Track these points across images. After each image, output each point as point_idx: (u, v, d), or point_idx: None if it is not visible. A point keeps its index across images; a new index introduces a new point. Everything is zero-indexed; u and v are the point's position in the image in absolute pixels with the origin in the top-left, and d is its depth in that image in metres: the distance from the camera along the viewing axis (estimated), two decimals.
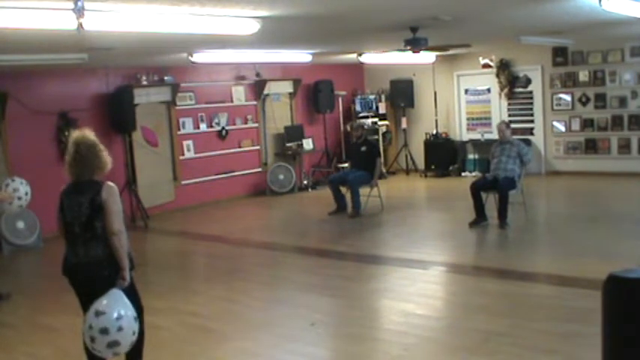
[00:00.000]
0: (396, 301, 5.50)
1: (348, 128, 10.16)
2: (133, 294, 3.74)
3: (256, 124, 11.72)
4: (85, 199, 3.64)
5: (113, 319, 3.44)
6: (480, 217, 7.88)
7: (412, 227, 8.43)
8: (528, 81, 11.89)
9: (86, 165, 3.69)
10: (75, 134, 3.78)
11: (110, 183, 3.75)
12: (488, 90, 12.40)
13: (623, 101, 10.92)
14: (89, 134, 3.79)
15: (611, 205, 9.13)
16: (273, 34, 6.47)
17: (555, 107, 11.62)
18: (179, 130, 10.58)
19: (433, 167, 12.58)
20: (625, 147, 10.98)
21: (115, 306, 3.49)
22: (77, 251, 3.67)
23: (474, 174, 11.82)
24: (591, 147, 11.33)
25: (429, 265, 6.44)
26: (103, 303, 3.49)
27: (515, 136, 8.46)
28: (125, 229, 3.74)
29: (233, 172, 11.32)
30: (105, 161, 3.77)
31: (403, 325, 4.86)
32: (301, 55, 9.67)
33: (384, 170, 12.14)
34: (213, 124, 11.02)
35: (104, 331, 3.41)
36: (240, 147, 11.44)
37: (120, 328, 3.45)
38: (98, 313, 3.46)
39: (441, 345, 4.48)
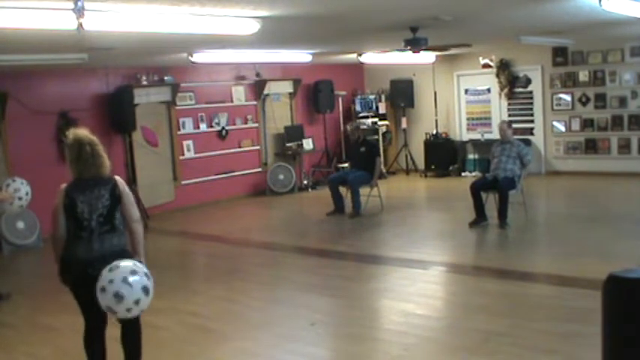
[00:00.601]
0: (396, 301, 5.50)
1: (348, 128, 10.17)
2: None
3: (256, 124, 11.73)
4: (105, 191, 3.71)
5: (146, 273, 3.56)
6: (479, 217, 7.88)
7: (412, 227, 8.43)
8: (528, 81, 11.89)
9: (93, 163, 3.73)
10: (76, 132, 3.79)
11: (117, 176, 3.86)
12: (488, 90, 12.40)
13: (623, 101, 10.92)
14: (89, 133, 3.82)
15: (611, 205, 9.13)
16: (273, 34, 6.47)
17: (555, 107, 11.62)
18: (179, 130, 10.58)
19: (433, 167, 12.58)
20: (625, 147, 10.98)
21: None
22: (91, 247, 3.66)
23: (474, 174, 11.83)
24: (591, 147, 11.33)
25: (429, 265, 6.44)
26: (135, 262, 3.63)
27: (515, 136, 8.45)
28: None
29: (233, 172, 11.32)
30: (107, 161, 3.82)
31: (403, 325, 4.86)
32: (301, 55, 9.67)
33: (383, 170, 12.14)
34: (213, 124, 11.02)
35: (148, 275, 3.55)
36: (240, 147, 11.44)
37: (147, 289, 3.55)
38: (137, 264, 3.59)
39: (441, 345, 4.48)
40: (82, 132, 3.80)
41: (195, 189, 10.72)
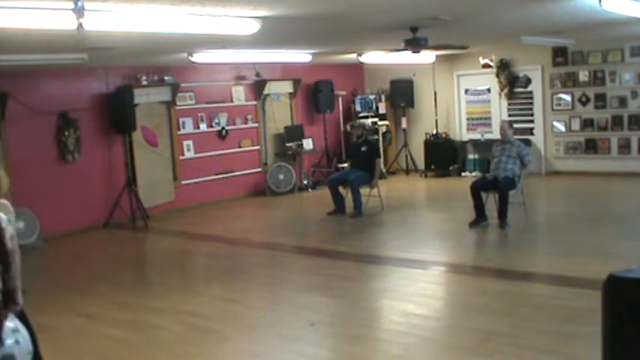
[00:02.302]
0: (396, 301, 5.50)
1: (348, 128, 10.16)
2: (22, 317, 3.19)
3: (256, 124, 11.72)
4: None
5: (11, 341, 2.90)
6: (479, 217, 7.88)
7: (412, 227, 8.43)
8: (528, 81, 11.89)
9: None
10: None
11: (4, 200, 3.46)
12: (489, 90, 12.39)
13: (623, 101, 10.91)
14: None
15: (611, 205, 9.13)
16: (273, 34, 6.47)
17: (555, 107, 11.62)
18: (179, 130, 10.58)
19: (433, 167, 12.57)
20: (625, 147, 10.98)
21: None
22: None
23: (474, 174, 11.82)
24: (591, 147, 11.32)
25: (429, 265, 6.44)
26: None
27: (515, 136, 8.45)
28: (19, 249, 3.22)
29: (233, 172, 11.32)
30: (3, 179, 3.51)
31: (403, 325, 4.86)
32: (301, 55, 9.66)
33: (383, 170, 12.14)
34: (213, 124, 11.02)
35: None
36: (240, 147, 11.44)
37: (17, 342, 2.93)
38: None
39: (440, 345, 4.48)
40: None
41: (195, 189, 10.72)
